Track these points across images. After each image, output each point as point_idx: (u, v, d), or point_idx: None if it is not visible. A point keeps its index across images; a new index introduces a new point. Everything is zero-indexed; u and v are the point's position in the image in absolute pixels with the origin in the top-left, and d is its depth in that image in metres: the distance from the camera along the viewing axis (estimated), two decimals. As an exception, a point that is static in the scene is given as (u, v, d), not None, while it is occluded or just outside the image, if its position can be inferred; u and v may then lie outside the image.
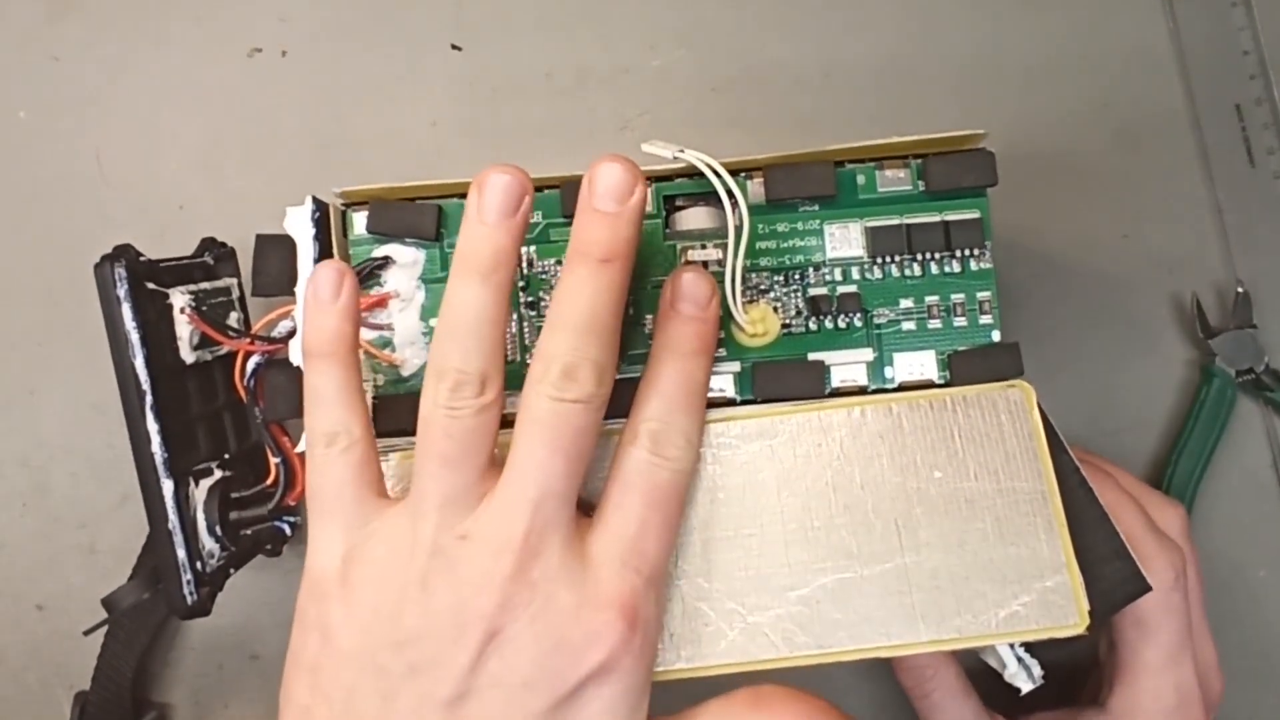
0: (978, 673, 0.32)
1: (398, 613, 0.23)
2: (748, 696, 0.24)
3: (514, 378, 0.26)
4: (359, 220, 0.29)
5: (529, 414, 0.24)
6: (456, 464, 0.24)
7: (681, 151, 0.27)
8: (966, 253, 0.29)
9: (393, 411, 0.28)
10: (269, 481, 0.32)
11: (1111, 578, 0.27)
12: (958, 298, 0.29)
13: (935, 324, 0.29)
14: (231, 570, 0.31)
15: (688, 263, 0.29)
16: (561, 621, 0.23)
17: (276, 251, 0.29)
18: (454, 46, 0.38)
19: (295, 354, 0.28)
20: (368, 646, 0.24)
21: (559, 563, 0.24)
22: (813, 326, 0.29)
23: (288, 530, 0.32)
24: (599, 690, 0.23)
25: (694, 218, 0.29)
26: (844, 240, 0.29)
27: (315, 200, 0.29)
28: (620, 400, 0.26)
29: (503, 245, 0.24)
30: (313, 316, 0.26)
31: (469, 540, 0.24)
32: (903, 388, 0.28)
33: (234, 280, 0.34)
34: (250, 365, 0.30)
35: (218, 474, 0.31)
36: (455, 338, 0.24)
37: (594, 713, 0.23)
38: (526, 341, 0.29)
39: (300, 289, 0.29)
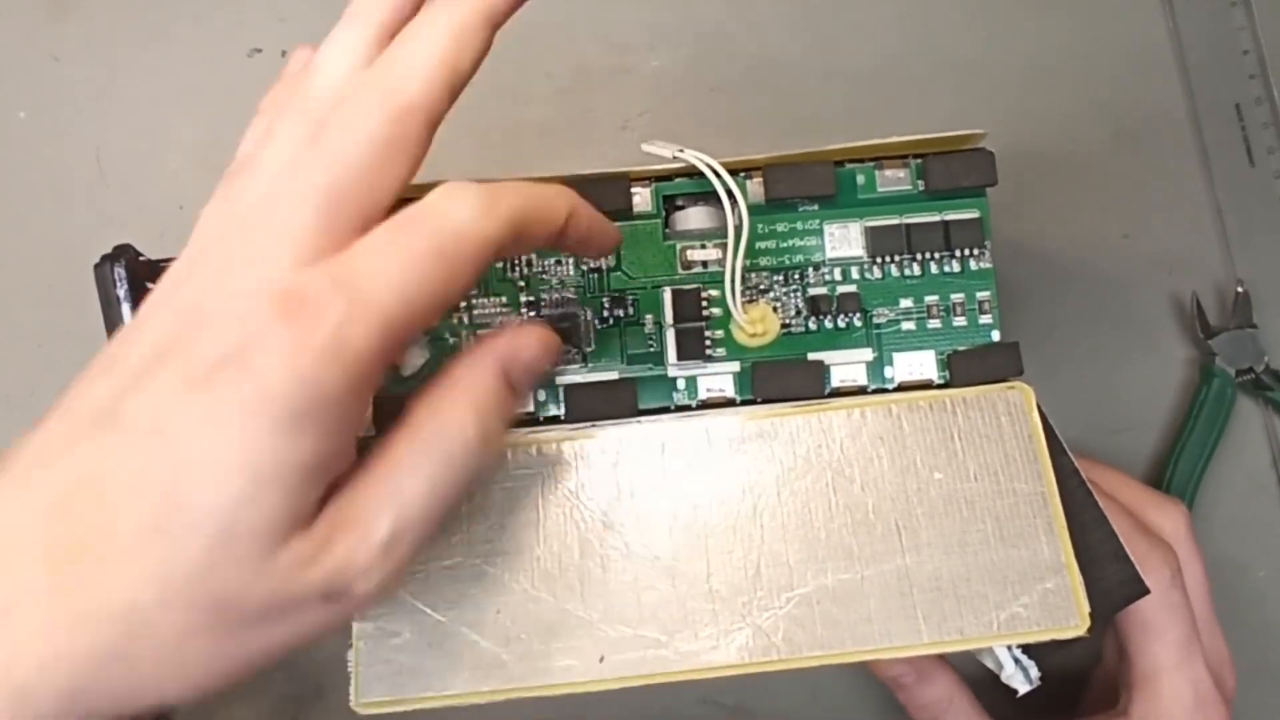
0: (975, 679, 0.32)
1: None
2: None
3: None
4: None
5: None
6: None
7: (681, 151, 0.27)
8: (966, 252, 0.29)
9: (393, 412, 0.28)
10: (269, 482, 0.31)
11: (1111, 579, 0.27)
12: (957, 297, 0.29)
13: (935, 324, 0.29)
14: (231, 571, 0.31)
15: (688, 263, 0.29)
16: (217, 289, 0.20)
17: (276, 252, 0.29)
18: (454, 46, 0.38)
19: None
20: None
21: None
22: (812, 326, 0.29)
23: (287, 530, 0.32)
24: (234, 390, 0.19)
25: (693, 218, 0.29)
26: (843, 240, 0.29)
27: (315, 200, 0.29)
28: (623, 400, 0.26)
29: None
30: None
31: None
32: (902, 387, 0.28)
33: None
34: (250, 365, 0.30)
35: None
36: None
37: (223, 401, 0.19)
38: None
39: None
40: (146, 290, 0.29)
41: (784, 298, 0.29)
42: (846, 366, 0.29)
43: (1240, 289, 0.37)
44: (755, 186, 0.29)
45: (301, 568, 0.20)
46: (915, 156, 0.29)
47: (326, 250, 0.20)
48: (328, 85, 0.22)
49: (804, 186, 0.28)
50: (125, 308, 0.28)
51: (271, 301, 0.19)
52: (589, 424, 0.28)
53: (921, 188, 0.29)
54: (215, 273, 0.21)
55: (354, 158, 0.21)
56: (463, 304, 0.29)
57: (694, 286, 0.29)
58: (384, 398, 0.29)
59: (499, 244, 0.21)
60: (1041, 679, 0.28)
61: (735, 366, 0.29)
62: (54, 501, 0.20)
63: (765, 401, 0.28)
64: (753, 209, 0.28)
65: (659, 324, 0.29)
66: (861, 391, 0.28)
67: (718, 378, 0.28)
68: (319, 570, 0.20)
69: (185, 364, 0.20)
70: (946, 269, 0.29)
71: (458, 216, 0.21)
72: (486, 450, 0.22)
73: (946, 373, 0.28)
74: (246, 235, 0.21)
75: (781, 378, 0.28)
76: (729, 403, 0.28)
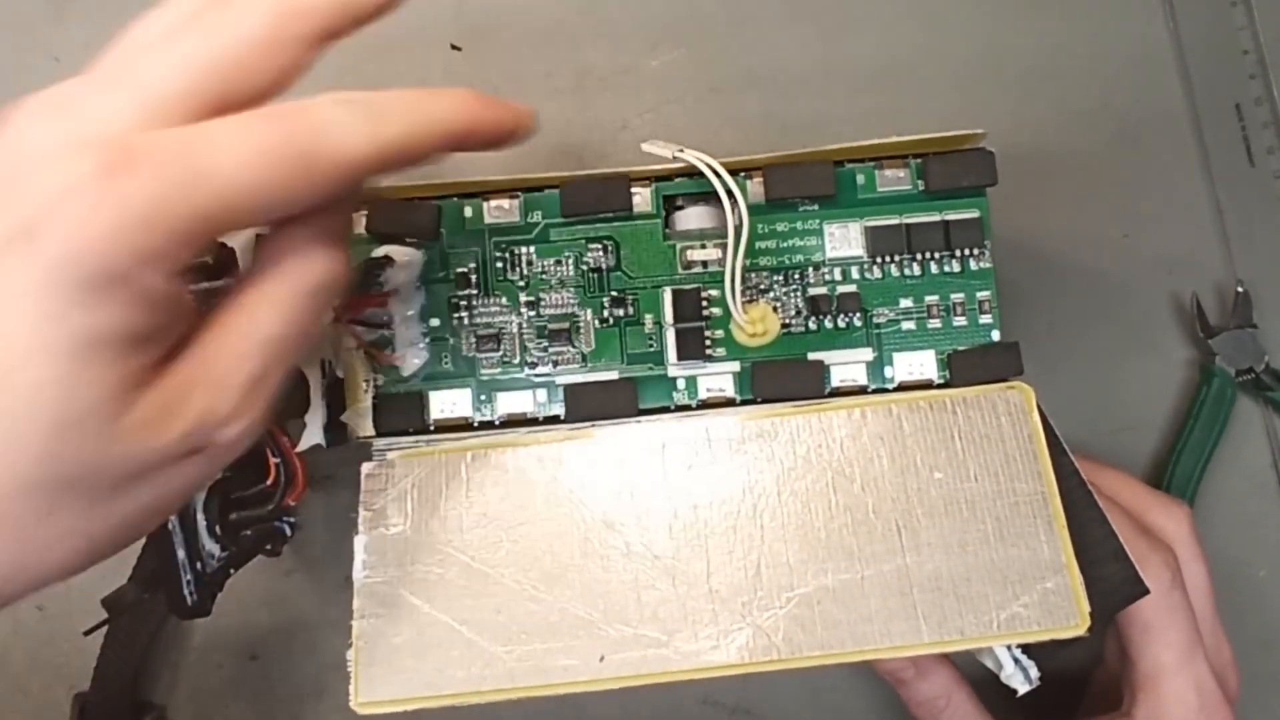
0: (975, 679, 0.32)
1: None
2: None
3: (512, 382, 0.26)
4: (358, 220, 0.29)
5: None
6: None
7: (681, 151, 0.27)
8: (966, 252, 0.29)
9: (393, 411, 0.28)
10: (269, 482, 0.31)
11: (1110, 580, 0.27)
12: (957, 297, 0.29)
13: (935, 323, 0.29)
14: (231, 571, 0.31)
15: (688, 263, 0.29)
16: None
17: (276, 252, 0.29)
18: (454, 46, 0.38)
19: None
20: None
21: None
22: (812, 326, 0.29)
23: (288, 531, 0.32)
24: (22, 267, 0.18)
25: (693, 217, 0.29)
26: (843, 240, 0.29)
27: (315, 200, 0.28)
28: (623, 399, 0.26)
29: None
30: None
31: None
32: (902, 387, 0.28)
33: (234, 281, 0.34)
34: (250, 365, 0.30)
35: (217, 474, 0.31)
36: None
37: (13, 281, 0.18)
38: (528, 344, 0.29)
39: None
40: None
41: (784, 298, 0.29)
42: (846, 366, 0.29)
43: (1240, 289, 0.37)
44: (755, 186, 0.29)
45: (154, 427, 0.19)
46: (915, 156, 0.29)
47: (177, 121, 0.19)
48: None
49: (804, 186, 0.28)
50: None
51: (99, 156, 0.18)
52: (589, 424, 0.28)
53: (921, 188, 0.29)
54: (51, 119, 0.19)
55: (233, 37, 0.20)
56: (463, 304, 0.29)
57: (694, 286, 0.29)
58: (384, 397, 0.29)
59: (372, 169, 0.20)
60: (1041, 679, 0.28)
61: (735, 366, 0.29)
62: None
63: (765, 401, 0.28)
64: (753, 209, 0.28)
65: (659, 324, 0.29)
66: (861, 391, 0.28)
67: (718, 377, 0.28)
68: (176, 426, 0.19)
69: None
70: (946, 269, 0.29)
71: (337, 127, 0.20)
72: (341, 279, 0.22)
73: (946, 373, 0.28)
74: (98, 88, 0.20)
75: (781, 378, 0.28)
76: (729, 403, 0.28)
